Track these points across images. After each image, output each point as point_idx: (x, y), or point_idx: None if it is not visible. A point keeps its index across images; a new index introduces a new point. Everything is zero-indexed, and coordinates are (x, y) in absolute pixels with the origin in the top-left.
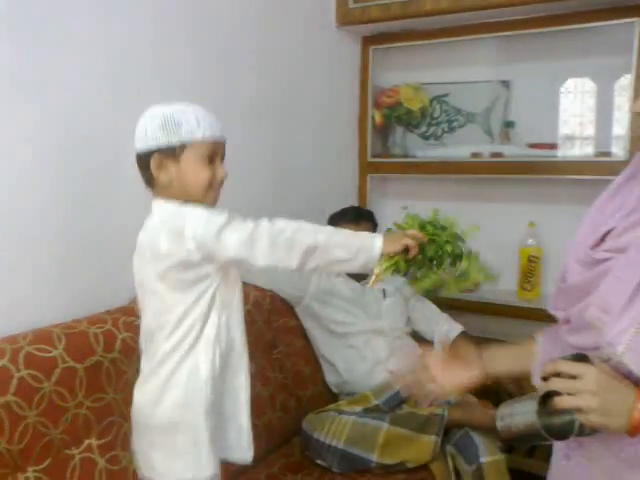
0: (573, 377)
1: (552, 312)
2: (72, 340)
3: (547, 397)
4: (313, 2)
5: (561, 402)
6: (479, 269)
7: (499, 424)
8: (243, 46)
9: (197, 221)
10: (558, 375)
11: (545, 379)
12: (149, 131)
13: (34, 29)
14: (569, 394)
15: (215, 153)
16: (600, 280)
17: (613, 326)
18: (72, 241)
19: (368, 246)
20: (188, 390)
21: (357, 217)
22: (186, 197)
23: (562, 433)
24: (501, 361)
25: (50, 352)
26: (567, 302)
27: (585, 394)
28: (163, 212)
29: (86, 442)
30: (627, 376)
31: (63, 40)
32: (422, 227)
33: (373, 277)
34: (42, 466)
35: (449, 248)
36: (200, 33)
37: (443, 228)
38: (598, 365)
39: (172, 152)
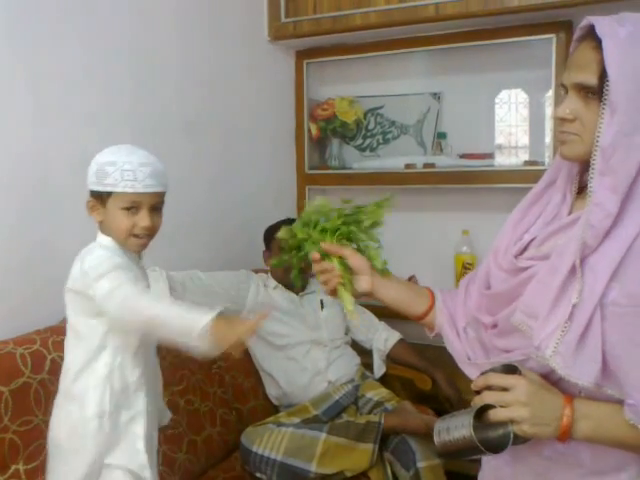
0: (505, 389)
1: (477, 315)
2: None
3: (481, 411)
4: (246, 17)
5: (495, 415)
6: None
7: (436, 439)
8: (176, 63)
9: (93, 261)
10: (490, 388)
11: (478, 392)
12: (89, 175)
13: None
14: (502, 406)
15: (139, 204)
16: (524, 286)
17: (540, 331)
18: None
19: (188, 334)
20: (72, 421)
21: None
22: (113, 238)
23: (498, 445)
24: (392, 286)
25: None
26: (493, 308)
27: (517, 405)
28: (93, 242)
29: (13, 468)
30: (546, 376)
31: None
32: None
33: (354, 320)
34: None
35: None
36: (133, 50)
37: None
38: (528, 376)
39: (100, 198)
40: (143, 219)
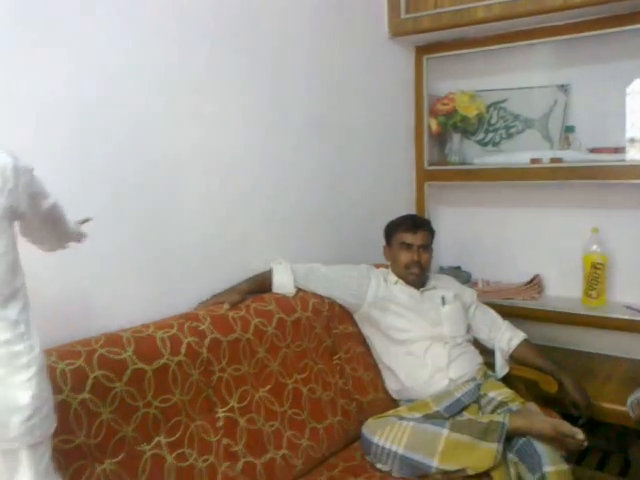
0: None
1: None
2: (140, 343)
3: None
4: (366, 14)
5: None
6: None
7: (634, 412)
8: (297, 60)
9: None
10: None
11: None
12: None
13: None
14: None
15: None
16: None
17: None
18: (148, 253)
19: None
20: None
21: (414, 226)
22: None
23: None
24: None
25: (120, 354)
26: None
27: None
28: None
29: (156, 439)
30: None
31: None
32: None
33: None
34: (117, 459)
35: None
36: (254, 48)
37: None
38: None
39: None
40: None
